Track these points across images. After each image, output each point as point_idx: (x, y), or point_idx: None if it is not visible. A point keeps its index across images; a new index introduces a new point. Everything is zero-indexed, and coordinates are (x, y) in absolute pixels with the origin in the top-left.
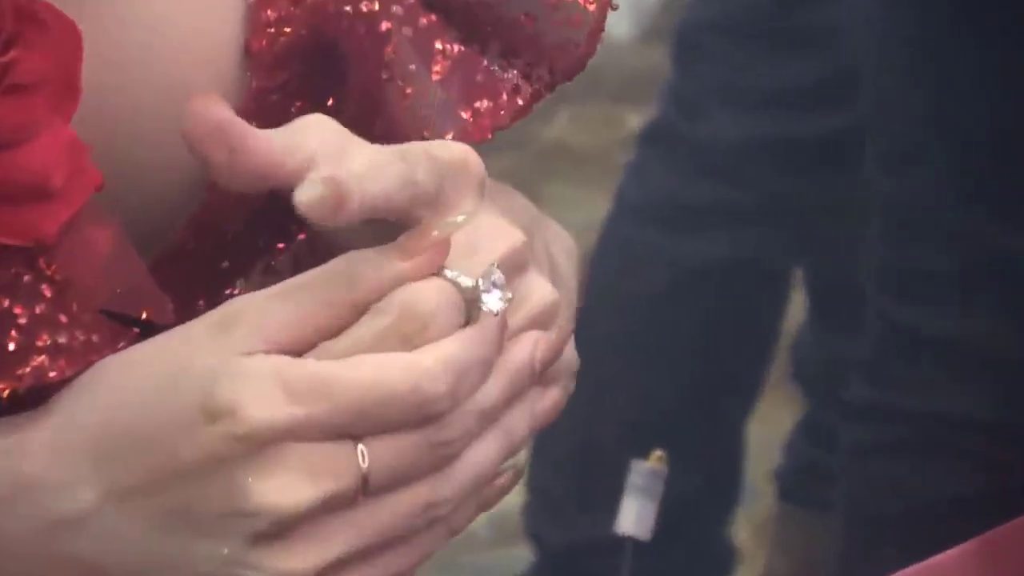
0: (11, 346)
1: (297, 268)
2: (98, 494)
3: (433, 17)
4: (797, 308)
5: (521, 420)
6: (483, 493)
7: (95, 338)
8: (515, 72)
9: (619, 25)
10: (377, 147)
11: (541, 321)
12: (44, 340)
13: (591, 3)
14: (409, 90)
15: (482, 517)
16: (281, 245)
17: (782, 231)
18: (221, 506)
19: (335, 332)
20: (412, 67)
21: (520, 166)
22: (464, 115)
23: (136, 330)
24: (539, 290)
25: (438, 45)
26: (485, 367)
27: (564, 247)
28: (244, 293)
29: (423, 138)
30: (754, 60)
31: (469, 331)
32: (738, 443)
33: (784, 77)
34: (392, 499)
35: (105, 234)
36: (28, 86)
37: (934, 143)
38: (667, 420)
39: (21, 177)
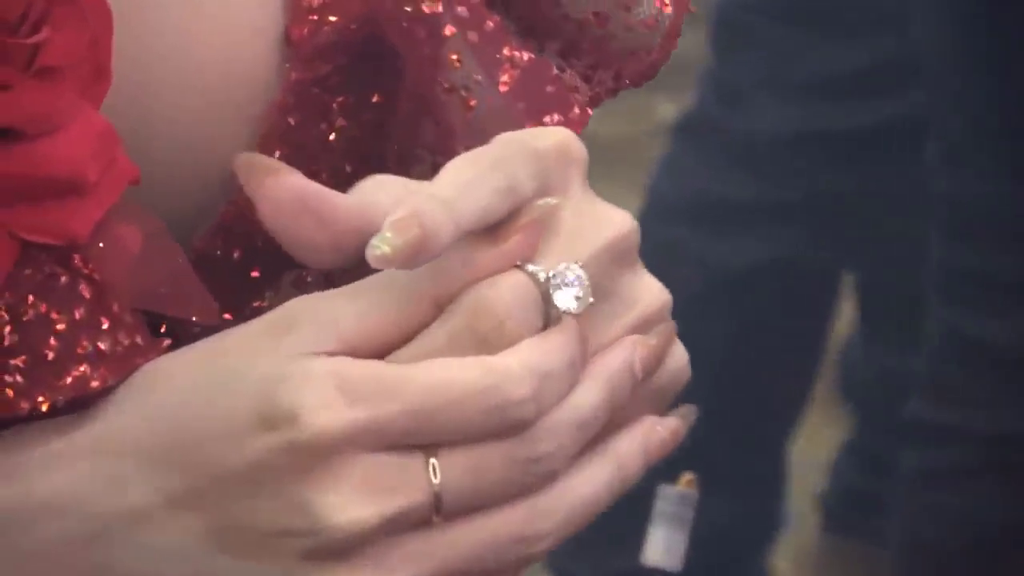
0: (50, 355)
1: (329, 282)
2: (146, 500)
3: (498, 19)
4: (846, 317)
5: (632, 447)
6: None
7: (139, 340)
8: (572, 73)
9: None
10: (463, 160)
11: (652, 325)
12: (84, 347)
13: (667, 5)
14: (473, 102)
15: None
16: None
17: (831, 231)
18: (273, 522)
19: (416, 331)
20: (478, 77)
21: None
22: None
23: (177, 334)
24: (650, 290)
25: (506, 52)
26: (571, 371)
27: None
28: (271, 307)
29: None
30: (802, 44)
31: (550, 332)
32: (779, 466)
33: (835, 63)
34: (473, 525)
35: (143, 229)
36: (58, 69)
37: (1002, 133)
38: (700, 440)
39: (51, 170)
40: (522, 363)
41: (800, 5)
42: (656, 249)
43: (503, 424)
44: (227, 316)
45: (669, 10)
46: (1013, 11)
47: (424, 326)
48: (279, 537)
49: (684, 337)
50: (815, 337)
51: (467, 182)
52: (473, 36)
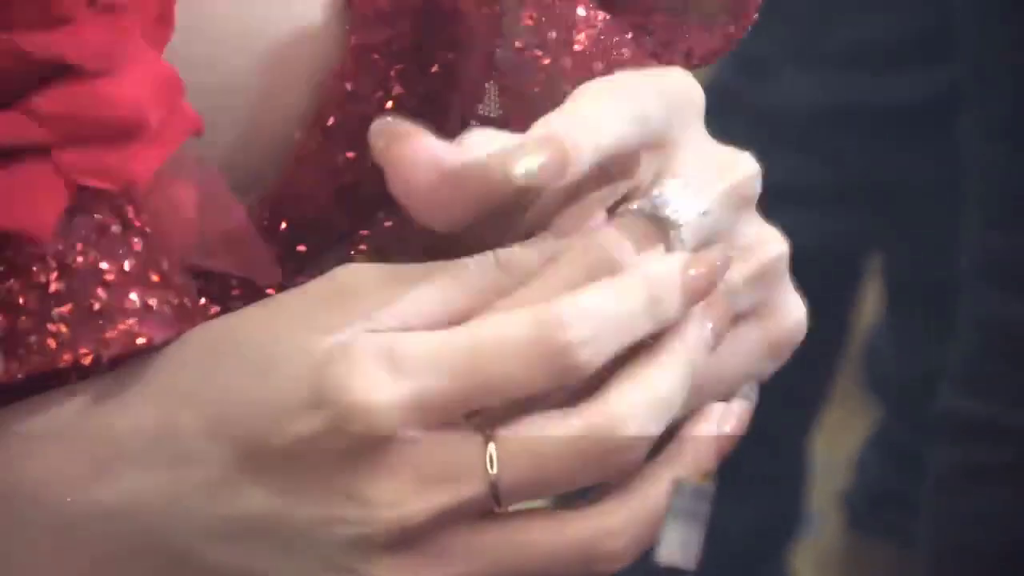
0: (96, 306)
1: (378, 258)
2: (203, 470)
3: None
4: (871, 304)
5: (707, 438)
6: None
7: (187, 302)
8: (643, 51)
9: None
10: (600, 85)
11: (770, 279)
12: (132, 301)
13: None
14: (547, 61)
15: None
16: (364, 232)
17: (861, 212)
18: (322, 507)
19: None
20: (552, 35)
21: None
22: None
23: (229, 300)
24: (770, 238)
25: (580, 12)
26: (638, 322)
27: None
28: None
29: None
30: (833, 12)
31: (615, 279)
32: (800, 462)
33: (868, 33)
34: (534, 526)
35: (201, 183)
36: (122, 6)
37: None
38: None
39: (112, 111)
40: (575, 305)
41: None
42: None
43: (557, 372)
44: (270, 291)
45: None
46: None
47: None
48: (326, 522)
49: None
50: (839, 326)
51: (605, 107)
52: None
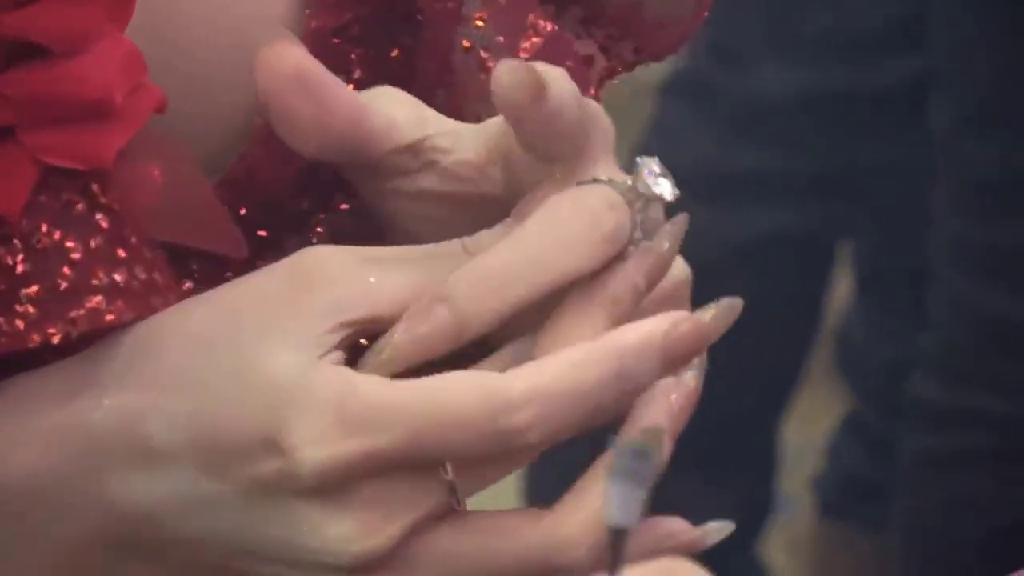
0: (63, 285)
1: (335, 241)
2: (151, 493)
3: None
4: (843, 290)
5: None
6: None
7: (156, 276)
8: (590, 42)
9: None
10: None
11: (672, 304)
12: (100, 278)
13: None
14: (491, 64)
15: None
16: (322, 215)
17: (833, 200)
18: (289, 540)
19: None
20: (500, 39)
21: None
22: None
23: (196, 277)
24: (675, 263)
25: (530, 18)
26: (603, 396)
27: None
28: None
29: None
30: (806, 1)
31: (577, 351)
32: (772, 448)
33: (841, 21)
34: (499, 527)
35: (167, 158)
36: None
37: (1017, 96)
38: (690, 420)
39: (77, 92)
40: (525, 389)
41: None
42: None
43: (505, 447)
44: (229, 274)
45: None
46: None
47: None
48: (291, 548)
49: None
50: (811, 312)
51: (557, 73)
52: None
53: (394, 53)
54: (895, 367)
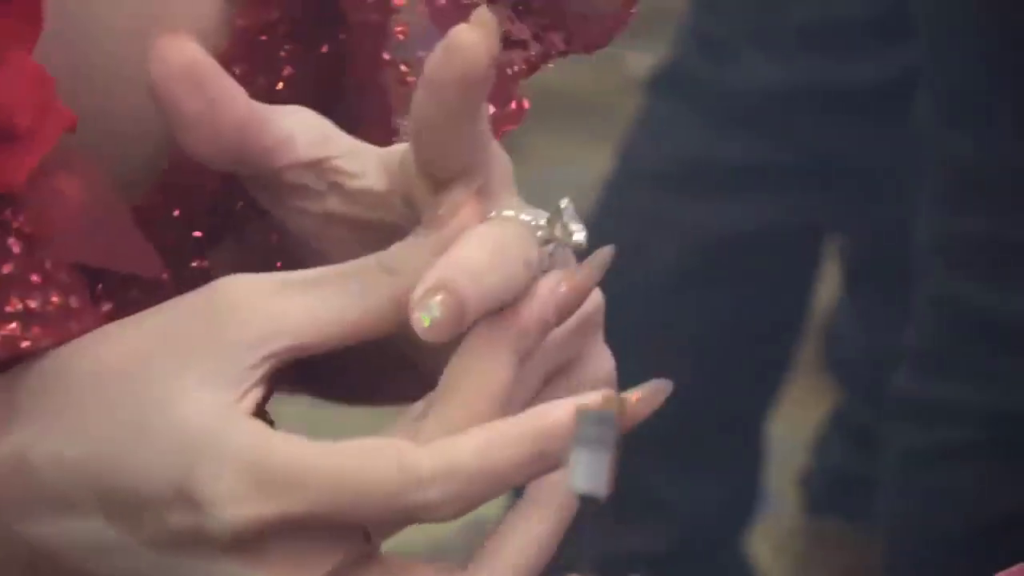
0: None
1: (269, 240)
2: (51, 535)
3: None
4: (831, 285)
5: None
6: None
7: (73, 301)
8: (522, 27)
9: None
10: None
11: (586, 329)
12: (14, 304)
13: None
14: (411, 79)
15: (456, 524)
16: (253, 215)
17: (819, 193)
18: None
19: (367, 331)
20: (421, 54)
21: None
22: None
23: (112, 301)
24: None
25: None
26: (518, 476)
27: None
28: (213, 266)
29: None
30: None
31: (494, 431)
32: (759, 442)
33: (825, 13)
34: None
35: (80, 179)
36: None
37: (1001, 91)
38: (676, 415)
39: None
40: (437, 467)
41: None
42: (629, 214)
43: (414, 518)
44: (165, 276)
45: None
46: None
47: (381, 324)
48: None
49: (660, 309)
50: (798, 306)
51: (493, 251)
52: (423, 10)
53: (324, 49)
54: (882, 362)
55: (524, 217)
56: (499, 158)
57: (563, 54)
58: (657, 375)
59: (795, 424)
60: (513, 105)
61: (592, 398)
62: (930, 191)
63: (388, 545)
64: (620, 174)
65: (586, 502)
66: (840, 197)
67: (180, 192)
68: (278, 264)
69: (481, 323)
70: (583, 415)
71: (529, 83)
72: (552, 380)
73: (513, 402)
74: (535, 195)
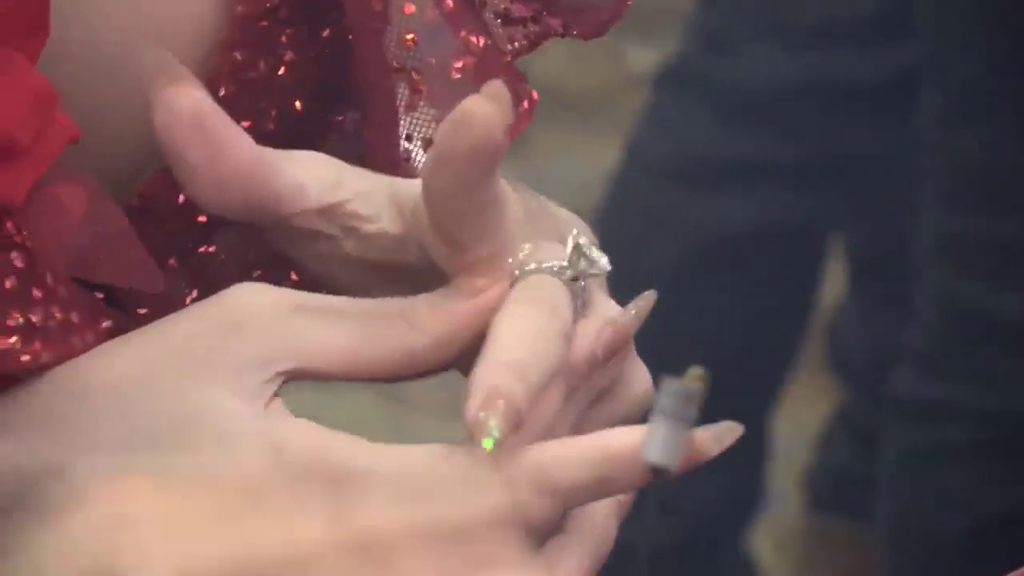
0: None
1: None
2: None
3: None
4: (835, 283)
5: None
6: None
7: (74, 317)
8: (525, 7)
9: None
10: (520, 309)
11: (622, 354)
12: (16, 319)
13: None
14: (423, 87)
15: None
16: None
17: (824, 190)
18: None
19: (377, 373)
20: (432, 61)
21: None
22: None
23: (117, 314)
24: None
25: (463, 35)
26: (561, 495)
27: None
28: (219, 251)
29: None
30: None
31: (556, 448)
32: (762, 439)
33: (833, 9)
34: None
35: (82, 193)
36: None
37: (1004, 90)
38: None
39: None
40: (501, 475)
41: None
42: (635, 209)
43: None
44: (172, 262)
45: None
46: None
47: (389, 371)
48: None
49: (665, 304)
50: (802, 303)
51: (533, 338)
52: (432, 15)
53: (325, 33)
54: (885, 360)
55: (547, 264)
56: (509, 201)
57: (561, 36)
58: (660, 371)
59: (798, 422)
60: (525, 104)
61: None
62: (933, 190)
63: None
64: (626, 170)
65: (657, 473)
66: (845, 195)
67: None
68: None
69: None
70: (668, 387)
71: (532, 79)
72: (593, 403)
73: (557, 430)
74: (537, 190)
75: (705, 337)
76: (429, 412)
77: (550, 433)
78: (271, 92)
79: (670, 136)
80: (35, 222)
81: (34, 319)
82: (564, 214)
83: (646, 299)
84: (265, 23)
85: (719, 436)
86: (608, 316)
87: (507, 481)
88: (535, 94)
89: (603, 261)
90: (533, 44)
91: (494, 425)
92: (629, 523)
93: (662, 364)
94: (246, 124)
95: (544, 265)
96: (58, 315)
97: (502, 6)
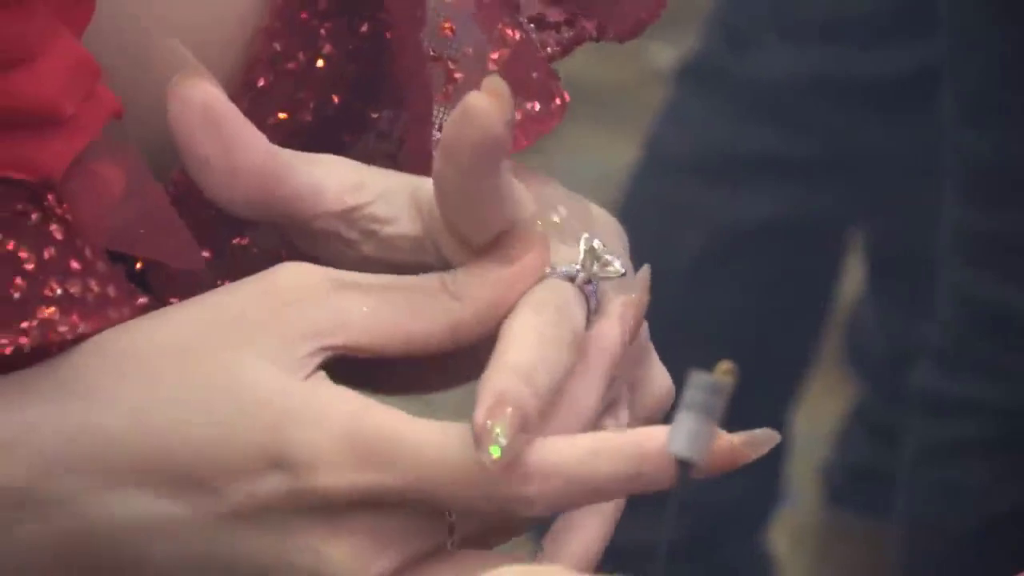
0: (15, 295)
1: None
2: (130, 508)
3: None
4: (853, 278)
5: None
6: None
7: (111, 291)
8: (560, 11)
9: None
10: (527, 314)
11: (640, 354)
12: (54, 289)
13: None
14: (458, 75)
15: None
16: None
17: (843, 185)
18: (278, 557)
19: (421, 347)
20: (469, 50)
21: None
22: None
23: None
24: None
25: (500, 28)
26: (599, 489)
27: (613, 233)
28: (251, 244)
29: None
30: None
31: (601, 441)
32: (780, 434)
33: (853, 6)
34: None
35: (122, 168)
36: None
37: (1021, 87)
38: None
39: (23, 102)
40: (540, 464)
41: None
42: (655, 204)
43: (505, 513)
44: (206, 254)
45: None
46: None
47: (431, 346)
48: (280, 568)
49: (684, 299)
50: (821, 299)
51: (542, 342)
52: (470, 5)
53: (363, 28)
54: (903, 356)
55: (562, 270)
56: (523, 198)
57: (595, 40)
58: (679, 365)
59: (815, 418)
60: (557, 101)
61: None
62: (952, 187)
63: None
64: (645, 165)
65: (682, 466)
66: (863, 191)
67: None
68: None
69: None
70: (697, 380)
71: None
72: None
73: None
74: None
75: (723, 332)
76: (452, 411)
77: (592, 423)
78: (309, 84)
79: (690, 131)
80: (75, 195)
81: (72, 290)
82: (599, 213)
83: (644, 274)
84: (305, 15)
85: (756, 443)
86: (621, 300)
87: (535, 474)
88: (567, 95)
89: (617, 265)
90: (565, 50)
91: (500, 432)
92: (647, 520)
93: (681, 358)
94: (283, 115)
95: (558, 269)
96: (96, 288)
97: (536, 10)
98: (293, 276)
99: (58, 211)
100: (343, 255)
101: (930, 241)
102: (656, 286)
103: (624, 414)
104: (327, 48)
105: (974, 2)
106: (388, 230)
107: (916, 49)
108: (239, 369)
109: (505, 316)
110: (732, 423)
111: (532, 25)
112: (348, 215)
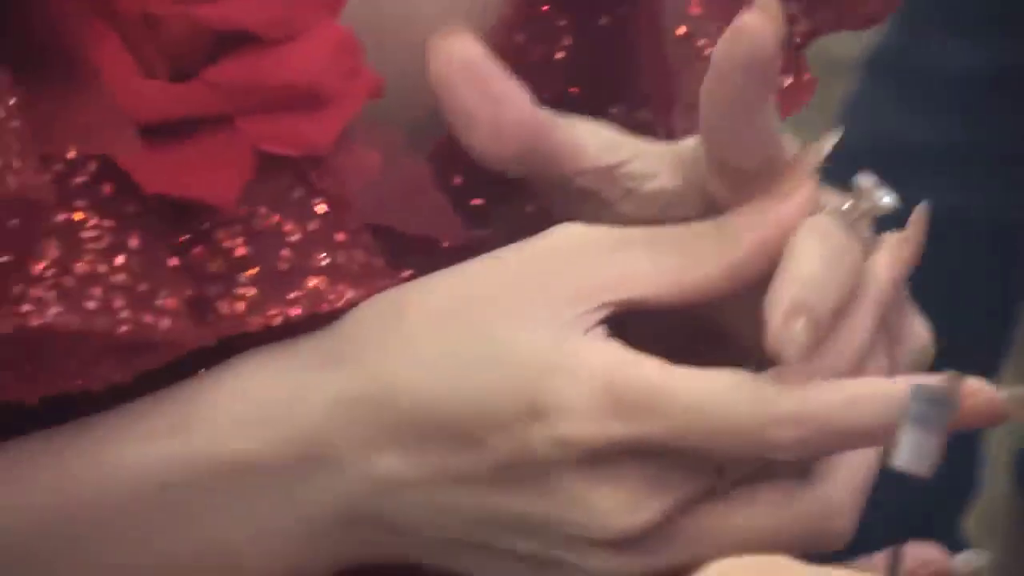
0: (283, 267)
1: (549, 216)
2: (401, 467)
3: None
4: None
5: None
6: None
7: (375, 262)
8: (795, 3)
9: None
10: (816, 230)
11: (896, 305)
12: (320, 259)
13: None
14: (708, 51)
15: None
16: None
17: (1019, 180)
18: (546, 512)
19: (701, 294)
20: (718, 26)
21: None
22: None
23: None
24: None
25: (744, 7)
26: (854, 438)
27: None
28: (493, 236)
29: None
30: None
31: (861, 387)
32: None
33: None
34: (757, 504)
35: (384, 144)
36: None
37: None
38: None
39: (291, 78)
40: (796, 410)
41: None
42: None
43: (761, 456)
44: (445, 244)
45: None
46: None
47: (709, 292)
48: (543, 521)
49: None
50: (1010, 288)
51: (830, 256)
52: None
53: (604, 21)
54: None
55: (832, 205)
56: (786, 146)
57: (835, 29)
58: None
59: None
60: (807, 76)
61: (935, 379)
62: None
63: None
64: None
65: (907, 479)
66: None
67: (460, 160)
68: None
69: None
70: (918, 392)
71: None
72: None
73: (869, 361)
74: None
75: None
76: None
77: (861, 362)
78: (547, 76)
79: (874, 121)
80: (339, 171)
81: (339, 261)
82: None
83: (920, 212)
84: (546, 7)
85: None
86: (896, 236)
87: (797, 417)
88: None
89: (889, 198)
90: (800, 45)
91: (800, 331)
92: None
93: None
94: None
95: (827, 207)
96: (362, 259)
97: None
98: (571, 235)
99: (321, 186)
100: (599, 215)
101: None
102: None
103: (884, 359)
104: (567, 40)
105: None
106: (648, 186)
107: None
108: (507, 329)
109: (778, 254)
110: None
111: None
112: (609, 172)
